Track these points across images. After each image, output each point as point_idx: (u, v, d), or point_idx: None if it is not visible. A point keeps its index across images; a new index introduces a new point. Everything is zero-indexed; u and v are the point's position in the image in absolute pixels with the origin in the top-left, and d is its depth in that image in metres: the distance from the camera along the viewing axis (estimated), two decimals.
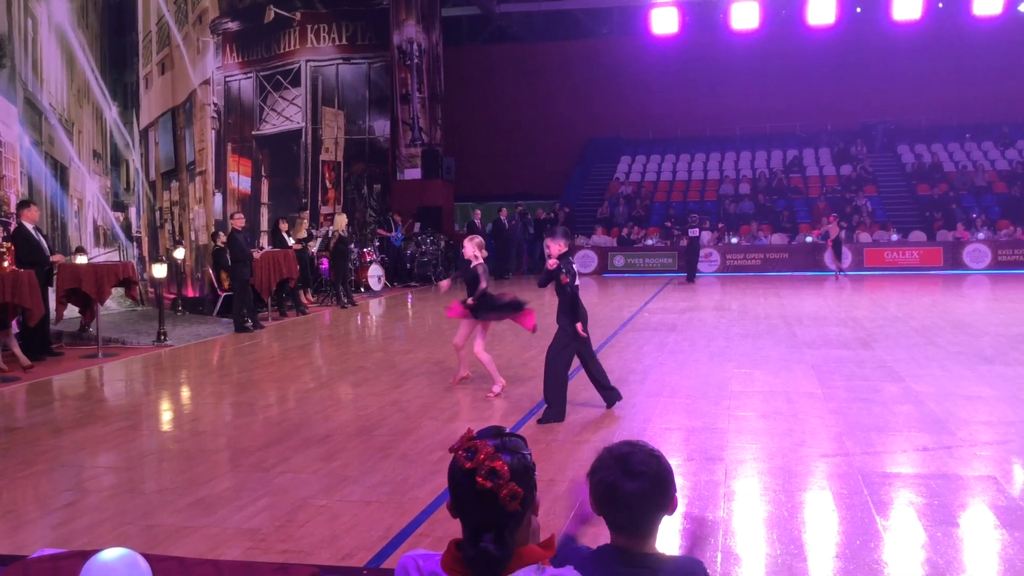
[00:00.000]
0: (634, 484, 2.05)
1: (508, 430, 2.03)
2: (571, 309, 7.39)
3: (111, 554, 1.93)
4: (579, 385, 8.76)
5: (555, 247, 7.42)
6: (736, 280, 22.20)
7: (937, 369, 9.38)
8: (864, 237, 24.56)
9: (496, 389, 8.51)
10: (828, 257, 22.95)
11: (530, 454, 2.00)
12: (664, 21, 27.10)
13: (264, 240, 16.88)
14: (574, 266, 7.47)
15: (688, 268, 22.13)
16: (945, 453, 6.24)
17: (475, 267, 8.48)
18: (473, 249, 8.59)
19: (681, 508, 5.15)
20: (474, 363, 9.14)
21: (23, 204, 11.30)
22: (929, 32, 27.95)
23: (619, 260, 25.15)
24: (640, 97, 30.92)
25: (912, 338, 11.59)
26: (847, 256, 23.25)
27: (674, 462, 6.15)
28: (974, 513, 5.17)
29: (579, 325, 7.38)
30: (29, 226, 10.98)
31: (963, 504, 5.28)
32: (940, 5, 27.89)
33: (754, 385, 8.79)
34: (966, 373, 9.13)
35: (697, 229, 21.96)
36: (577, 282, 7.41)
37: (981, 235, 23.60)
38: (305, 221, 18.29)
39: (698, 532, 3.97)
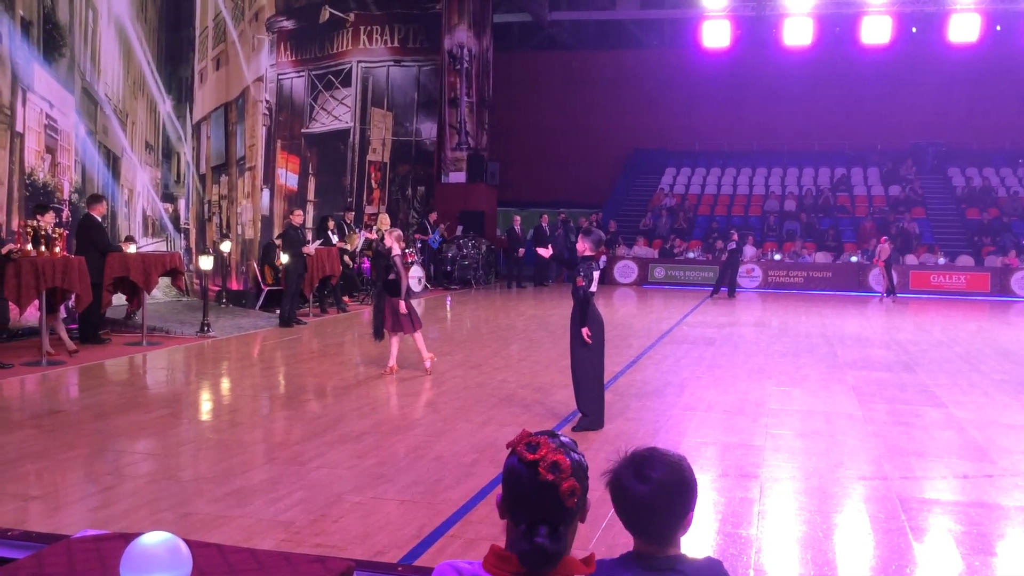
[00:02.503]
0: (642, 488, 2.05)
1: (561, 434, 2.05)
2: (580, 312, 7.35)
3: (153, 538, 1.97)
4: (613, 396, 8.75)
5: (579, 246, 7.47)
6: (777, 297, 22.00)
7: (980, 396, 9.23)
8: (911, 260, 24.24)
9: (428, 364, 9.88)
10: (876, 277, 22.74)
11: (583, 457, 2.01)
12: (716, 34, 26.90)
13: (309, 236, 17.02)
14: (595, 272, 7.40)
15: (729, 283, 21.88)
16: (986, 481, 6.15)
17: (393, 257, 9.66)
18: (391, 242, 9.80)
19: (714, 526, 5.12)
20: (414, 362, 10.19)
21: (95, 198, 11.60)
22: (985, 55, 27.52)
23: (660, 272, 25.04)
24: (687, 109, 30.78)
25: (956, 364, 11.42)
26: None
27: (708, 478, 6.14)
28: (1013, 543, 5.09)
29: (585, 330, 7.29)
30: (98, 218, 11.37)
31: (1002, 534, 5.19)
32: (998, 28, 27.45)
33: (793, 404, 8.71)
34: (1010, 401, 8.98)
35: (736, 243, 21.76)
36: (593, 288, 7.36)
37: None
38: (357, 235, 18.25)
39: None
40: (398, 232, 10.14)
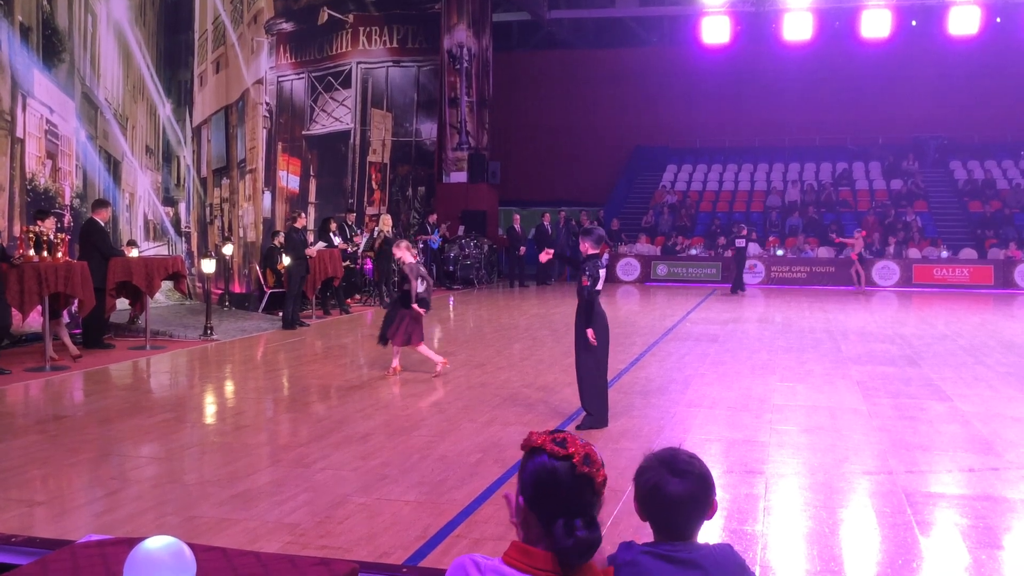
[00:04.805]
0: (681, 484, 2.11)
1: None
2: (585, 313, 7.30)
3: (157, 542, 1.96)
4: (617, 393, 8.74)
5: (582, 246, 7.43)
6: (781, 292, 21.97)
7: (985, 389, 9.21)
8: (913, 253, 24.20)
9: (439, 368, 9.81)
10: (878, 271, 22.85)
11: None
12: (715, 30, 26.82)
13: (311, 238, 17.02)
14: (600, 271, 7.38)
15: (735, 279, 21.92)
16: (992, 475, 6.13)
17: (405, 266, 9.72)
18: (401, 252, 9.80)
19: (720, 522, 5.12)
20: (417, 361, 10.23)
21: (100, 203, 11.62)
22: (985, 47, 27.45)
23: (662, 269, 25.02)
24: (688, 106, 30.75)
25: (960, 357, 11.39)
26: (895, 272, 22.97)
27: (714, 474, 6.10)
28: (1020, 537, 5.08)
29: (590, 332, 7.24)
30: (101, 223, 11.41)
31: (1009, 527, 5.18)
32: (998, 20, 27.38)
33: (797, 399, 8.70)
34: (1015, 394, 8.96)
35: (744, 240, 21.77)
36: (598, 287, 7.33)
37: None
38: (359, 236, 18.27)
39: None
40: (406, 242, 10.14)
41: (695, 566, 2.06)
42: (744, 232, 21.92)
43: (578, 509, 1.96)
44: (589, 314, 7.27)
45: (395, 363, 9.90)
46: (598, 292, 7.32)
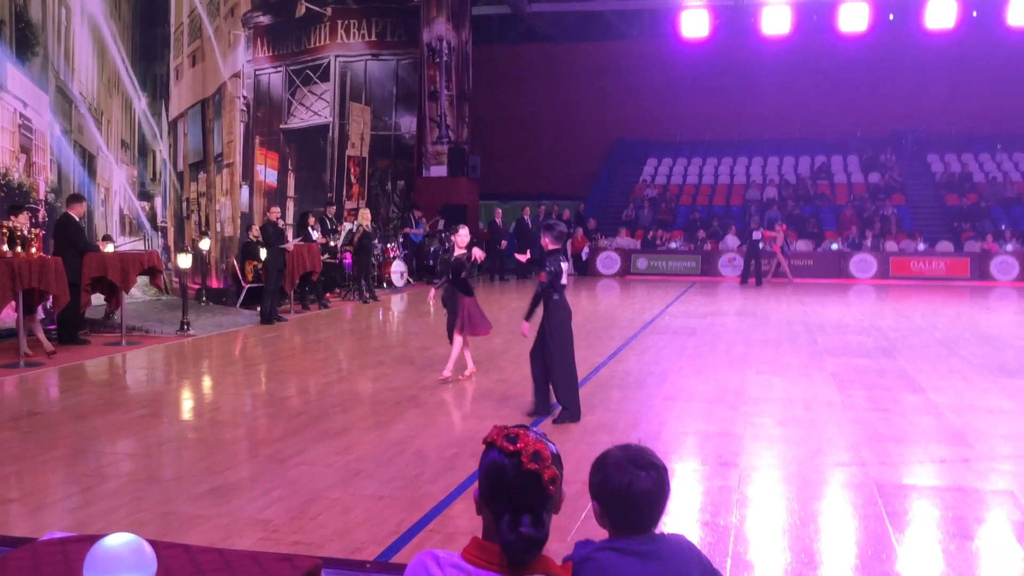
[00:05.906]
0: (649, 476, 2.13)
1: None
2: (531, 306, 7.49)
3: (117, 539, 1.96)
4: (594, 387, 8.77)
5: (543, 241, 7.52)
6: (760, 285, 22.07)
7: (959, 381, 9.29)
8: (890, 246, 24.37)
9: (466, 372, 9.28)
10: (857, 264, 23.14)
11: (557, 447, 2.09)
12: (694, 24, 26.95)
13: (290, 233, 16.95)
14: (563, 263, 7.47)
15: (756, 272, 22.12)
16: (963, 466, 6.19)
17: (459, 255, 9.34)
18: (466, 237, 9.51)
19: (694, 515, 5.14)
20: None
21: (75, 198, 11.52)
22: (962, 41, 27.67)
23: (642, 262, 25.07)
24: (668, 100, 30.82)
25: (935, 349, 11.49)
26: (872, 265, 23.24)
27: (688, 467, 6.17)
28: (991, 527, 5.13)
29: (524, 325, 7.52)
30: (76, 217, 11.31)
31: (979, 518, 5.23)
32: (974, 14, 27.58)
33: (773, 392, 8.74)
34: (988, 386, 9.04)
35: (759, 233, 22.02)
36: (563, 281, 7.44)
37: (1009, 247, 23.35)
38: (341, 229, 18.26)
39: None
40: (466, 228, 9.79)
41: (654, 557, 2.08)
42: (757, 224, 22.23)
43: (525, 506, 1.95)
44: (533, 310, 7.49)
45: (469, 364, 9.34)
46: (564, 286, 7.41)
